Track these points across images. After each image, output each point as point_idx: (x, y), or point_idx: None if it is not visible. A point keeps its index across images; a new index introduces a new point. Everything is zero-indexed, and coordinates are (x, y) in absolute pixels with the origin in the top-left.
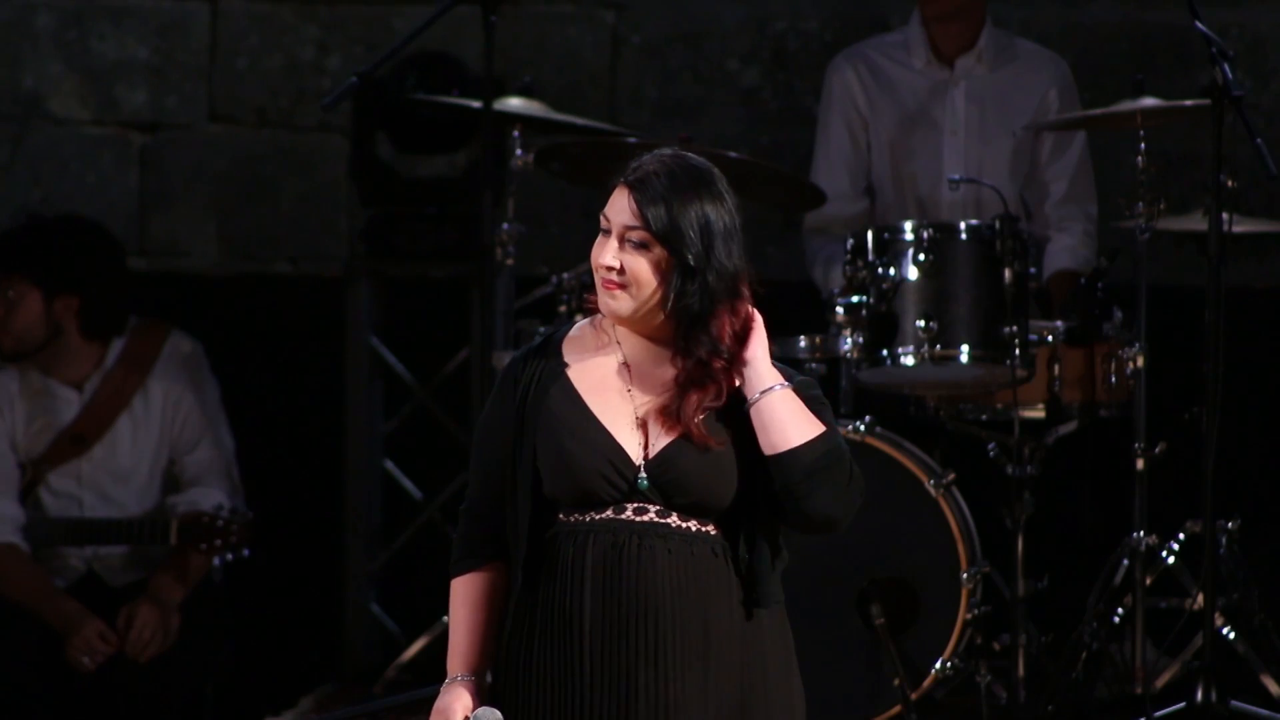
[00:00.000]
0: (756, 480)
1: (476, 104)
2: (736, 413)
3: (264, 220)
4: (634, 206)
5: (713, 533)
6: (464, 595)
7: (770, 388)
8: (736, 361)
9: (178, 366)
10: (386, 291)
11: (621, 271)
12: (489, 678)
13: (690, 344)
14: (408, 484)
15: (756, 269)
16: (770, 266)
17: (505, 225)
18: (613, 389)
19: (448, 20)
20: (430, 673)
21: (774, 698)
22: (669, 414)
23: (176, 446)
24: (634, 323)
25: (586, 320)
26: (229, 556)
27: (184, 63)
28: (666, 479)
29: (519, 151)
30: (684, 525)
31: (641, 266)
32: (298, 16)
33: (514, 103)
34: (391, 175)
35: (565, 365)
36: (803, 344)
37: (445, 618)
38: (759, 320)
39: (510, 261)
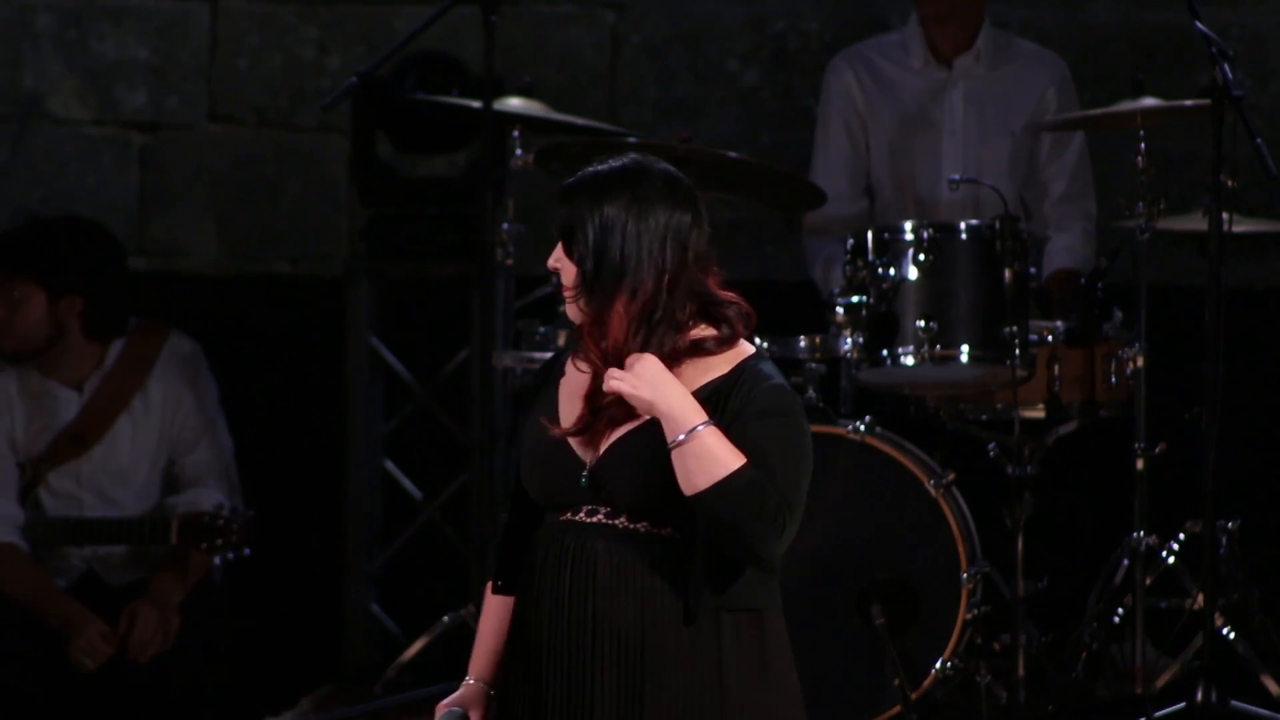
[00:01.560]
0: None
1: (476, 104)
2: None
3: (264, 220)
4: (561, 213)
5: (669, 534)
6: (491, 602)
7: (677, 439)
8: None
9: (177, 367)
10: (386, 291)
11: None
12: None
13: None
14: (408, 484)
15: (755, 268)
16: (770, 266)
17: (505, 225)
18: (578, 394)
19: (448, 20)
20: (430, 673)
21: (732, 706)
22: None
23: (176, 447)
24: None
25: None
26: (229, 556)
27: (184, 63)
28: (607, 479)
29: (519, 151)
30: (633, 527)
31: (570, 273)
32: (298, 16)
33: (514, 103)
34: (391, 175)
35: (561, 374)
36: (803, 344)
37: (446, 618)
38: (646, 362)
39: (510, 261)
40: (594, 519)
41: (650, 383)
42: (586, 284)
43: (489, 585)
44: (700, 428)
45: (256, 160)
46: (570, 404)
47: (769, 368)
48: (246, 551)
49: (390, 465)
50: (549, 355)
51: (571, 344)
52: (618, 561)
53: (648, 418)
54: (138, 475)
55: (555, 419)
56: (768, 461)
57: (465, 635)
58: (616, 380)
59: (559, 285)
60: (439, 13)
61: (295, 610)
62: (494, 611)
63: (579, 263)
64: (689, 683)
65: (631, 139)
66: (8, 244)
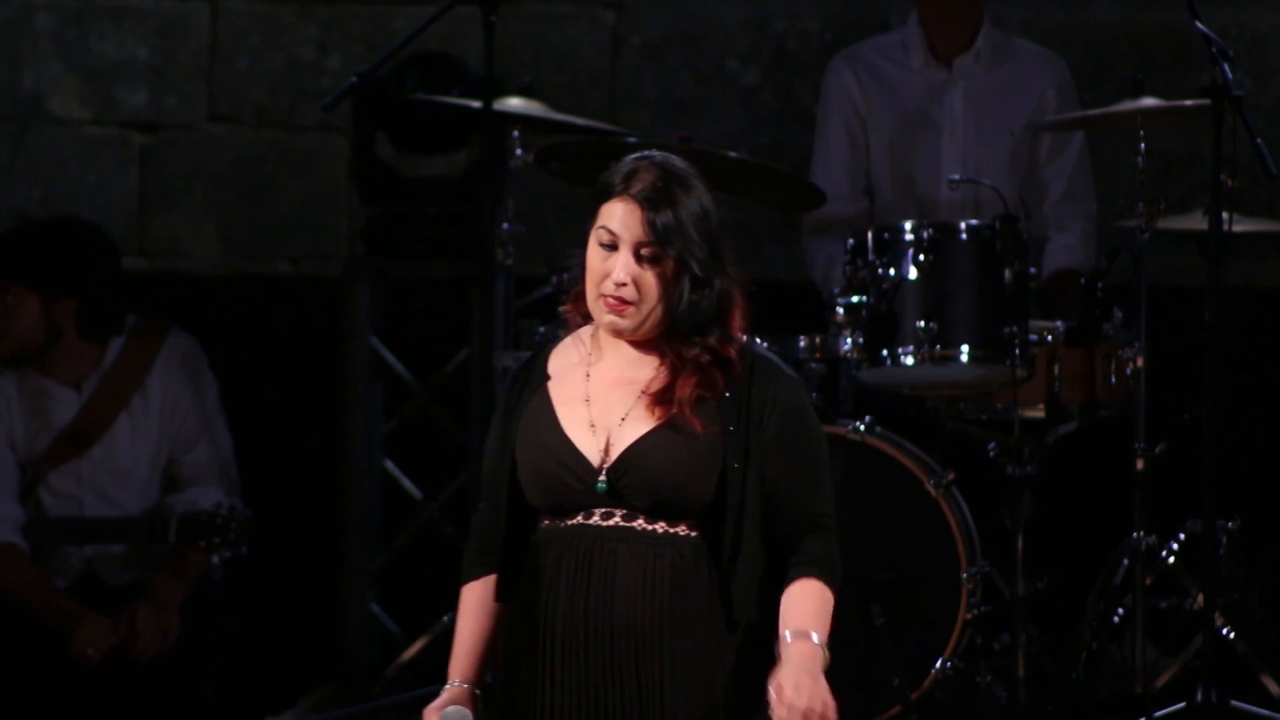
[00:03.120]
0: (739, 482)
1: (476, 104)
2: (724, 409)
3: (264, 220)
4: (645, 220)
5: (684, 534)
6: (467, 602)
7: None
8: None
9: (177, 366)
10: (386, 291)
11: (628, 286)
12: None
13: (697, 338)
14: (408, 484)
15: (755, 268)
16: (770, 266)
17: (505, 225)
18: (579, 398)
19: (448, 20)
20: (430, 673)
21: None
22: (662, 401)
23: (175, 446)
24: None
25: (575, 333)
26: (229, 554)
27: (184, 63)
28: (625, 482)
29: (519, 151)
30: (651, 528)
31: (651, 281)
32: (298, 16)
33: (514, 103)
34: (391, 175)
35: (547, 378)
36: (803, 344)
37: (446, 618)
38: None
39: (510, 261)
40: (610, 522)
41: (812, 683)
42: (697, 294)
43: (469, 587)
44: (815, 636)
45: (256, 160)
46: (571, 406)
47: (771, 353)
48: (245, 549)
49: (390, 465)
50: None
51: (544, 352)
52: (641, 563)
53: (661, 419)
54: (137, 474)
55: (554, 424)
56: (806, 482)
57: None
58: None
59: (559, 284)
60: (439, 13)
61: (295, 610)
62: (475, 614)
63: (685, 261)
64: (710, 682)
65: (631, 139)
66: (0, 248)
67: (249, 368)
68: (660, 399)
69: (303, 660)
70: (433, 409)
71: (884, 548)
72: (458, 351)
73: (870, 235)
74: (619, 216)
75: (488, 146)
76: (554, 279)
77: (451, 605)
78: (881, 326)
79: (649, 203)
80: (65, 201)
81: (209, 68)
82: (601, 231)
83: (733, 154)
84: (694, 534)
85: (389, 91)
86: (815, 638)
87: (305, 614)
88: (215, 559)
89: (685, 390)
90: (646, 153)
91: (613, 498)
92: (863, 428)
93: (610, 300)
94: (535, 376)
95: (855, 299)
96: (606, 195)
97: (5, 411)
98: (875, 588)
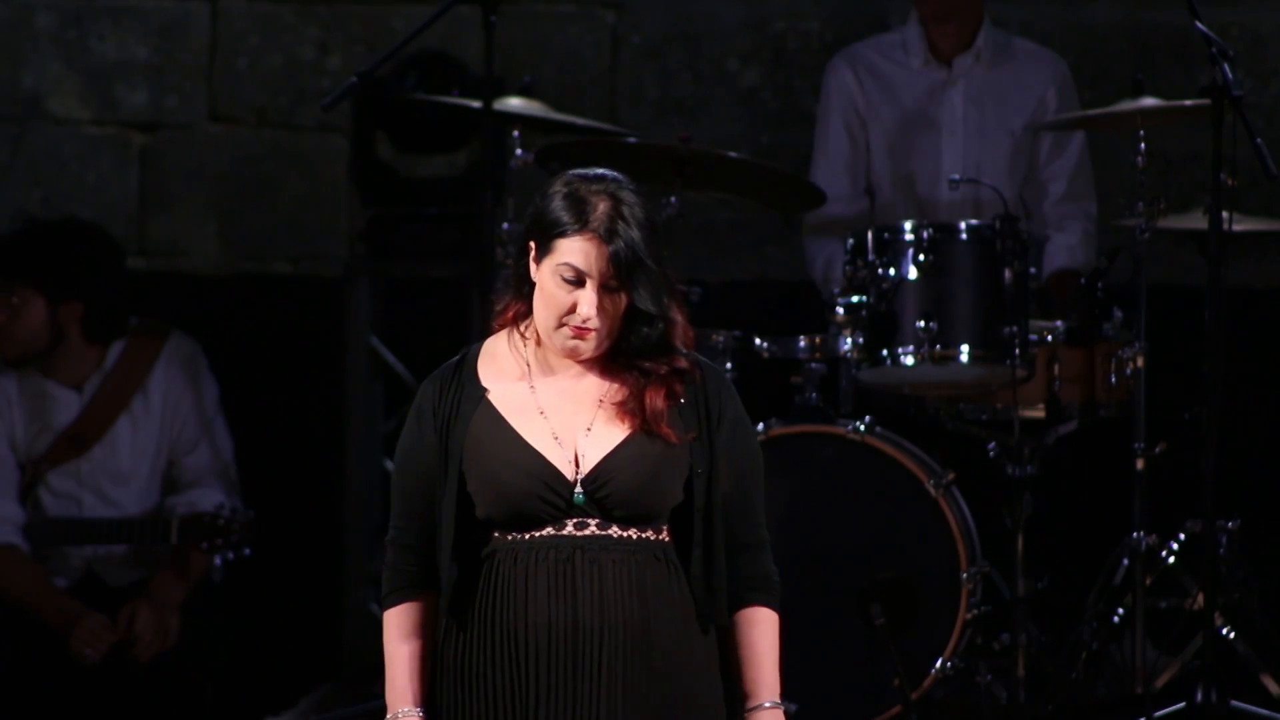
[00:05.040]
0: (704, 486)
1: (476, 104)
2: (684, 414)
3: (264, 220)
4: (609, 255)
5: (654, 538)
6: (400, 627)
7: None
8: None
9: (177, 367)
10: (386, 291)
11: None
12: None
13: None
14: None
15: (755, 268)
16: (770, 266)
17: (505, 225)
18: (532, 410)
19: (448, 20)
20: None
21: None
22: (629, 411)
23: (175, 447)
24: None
25: (492, 339)
26: (229, 556)
27: (184, 63)
28: (603, 494)
29: (519, 151)
30: (626, 534)
31: (611, 309)
32: (298, 16)
33: (514, 103)
34: (391, 175)
35: (484, 389)
36: (802, 344)
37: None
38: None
39: (510, 261)
40: (585, 531)
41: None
42: (648, 325)
43: (396, 611)
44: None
45: (256, 160)
46: (524, 417)
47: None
48: (247, 551)
49: (390, 465)
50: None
51: (469, 362)
52: (627, 570)
53: (633, 429)
54: (138, 475)
55: (514, 437)
56: (748, 489)
57: None
58: None
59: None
60: (439, 13)
61: (295, 610)
62: (408, 638)
63: (642, 299)
64: (695, 683)
65: (631, 139)
66: (6, 250)
67: (249, 368)
68: (627, 409)
69: (303, 660)
70: None
71: (884, 548)
72: (457, 351)
73: (870, 235)
74: (583, 254)
75: (488, 146)
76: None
77: None
78: (881, 326)
79: (610, 235)
80: (65, 201)
81: (209, 68)
82: (565, 268)
83: (733, 154)
84: (663, 537)
85: (389, 91)
86: (776, 704)
87: (305, 614)
88: (217, 560)
89: (657, 401)
90: (586, 174)
91: (589, 508)
92: (863, 428)
93: (576, 328)
94: (469, 388)
95: (855, 299)
96: (561, 230)
97: (6, 412)
98: (875, 588)
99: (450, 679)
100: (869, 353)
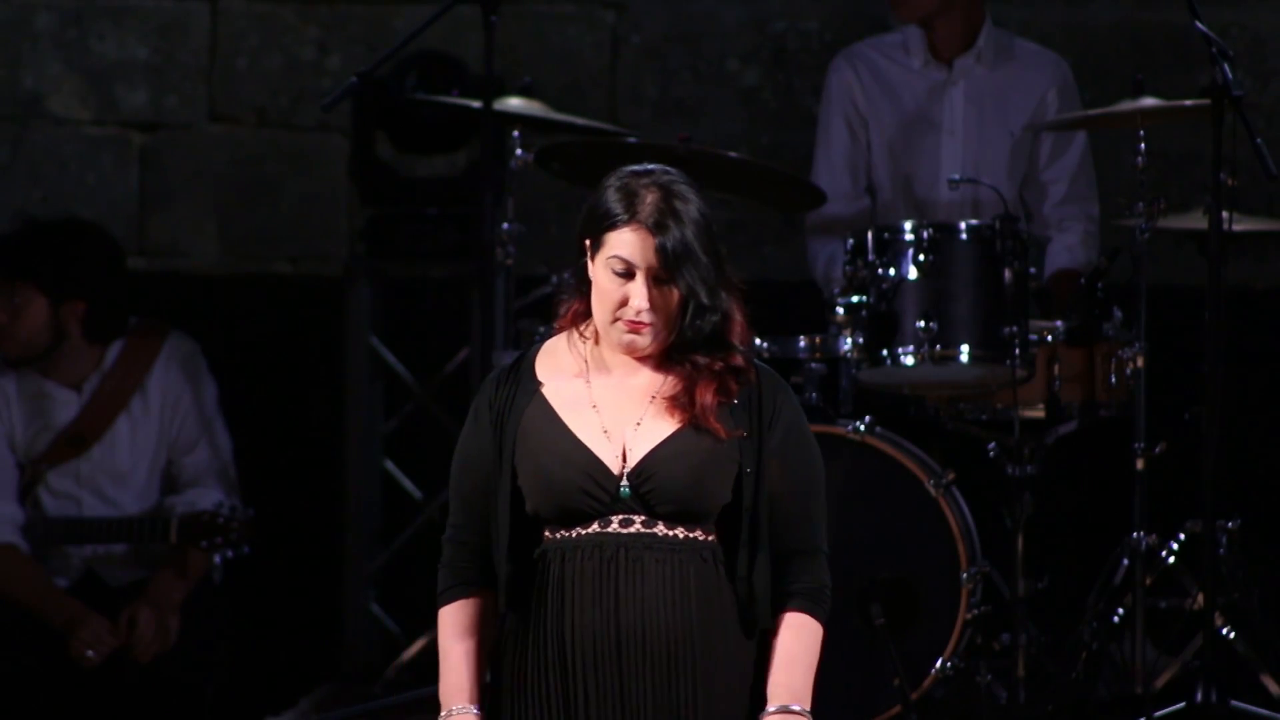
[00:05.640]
0: (752, 487)
1: (476, 104)
2: (736, 414)
3: (264, 220)
4: (658, 247)
5: (702, 538)
6: (456, 624)
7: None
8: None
9: (176, 367)
10: (386, 291)
11: (647, 310)
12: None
13: (705, 349)
14: (408, 484)
15: (755, 268)
16: (770, 266)
17: (505, 225)
18: (585, 404)
19: (448, 20)
20: (430, 673)
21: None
22: (680, 406)
23: (175, 447)
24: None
25: (553, 339)
26: (229, 555)
27: (184, 63)
28: (647, 488)
29: (519, 151)
30: (671, 533)
31: (664, 302)
32: (298, 16)
33: (514, 103)
34: (391, 175)
35: (539, 384)
36: (803, 344)
37: None
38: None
39: (510, 261)
40: (630, 529)
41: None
42: (701, 316)
43: (451, 608)
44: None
45: (256, 160)
46: (577, 412)
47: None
48: (246, 550)
49: (390, 465)
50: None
51: (527, 360)
52: (668, 569)
53: (682, 424)
54: (137, 475)
55: (564, 430)
56: (802, 496)
57: None
58: None
59: (559, 284)
60: (439, 13)
61: (295, 610)
62: (463, 635)
63: (694, 290)
64: (734, 685)
65: (631, 139)
66: (8, 249)
67: (249, 368)
68: (678, 404)
69: (303, 660)
70: (433, 409)
71: (884, 548)
72: (458, 351)
73: (870, 235)
74: (631, 245)
75: (488, 146)
76: (554, 279)
77: None
78: (881, 326)
79: (659, 228)
80: (65, 201)
81: (209, 68)
82: (615, 261)
83: (733, 154)
84: (711, 538)
85: (389, 91)
86: (793, 709)
87: (305, 614)
88: (216, 559)
89: (707, 396)
90: (638, 169)
91: (633, 503)
92: (863, 428)
93: (631, 323)
94: (524, 383)
95: (855, 299)
96: (611, 223)
97: (5, 412)
98: (875, 588)
99: (506, 680)
100: (869, 353)
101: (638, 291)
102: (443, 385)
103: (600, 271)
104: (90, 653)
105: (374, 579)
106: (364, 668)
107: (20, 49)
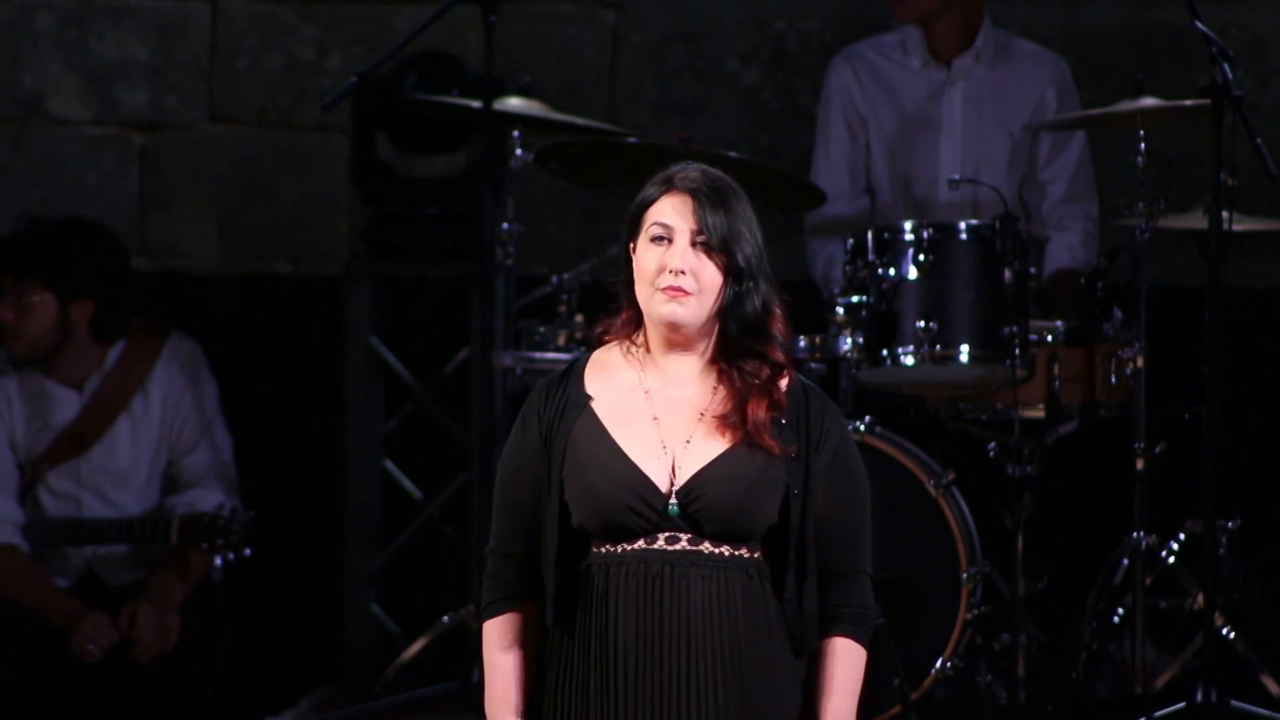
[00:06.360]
0: (799, 506)
1: (476, 104)
2: (784, 433)
3: (264, 220)
4: (699, 212)
5: (748, 556)
6: (501, 637)
7: None
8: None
9: (177, 367)
10: (386, 291)
11: (687, 275)
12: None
13: (749, 341)
14: (408, 484)
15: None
16: (770, 267)
17: (505, 225)
18: (638, 418)
19: (448, 20)
20: (430, 673)
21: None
22: (731, 424)
23: (175, 447)
24: (679, 337)
25: (604, 349)
26: (230, 556)
27: (184, 63)
28: (696, 507)
29: (519, 151)
30: (717, 551)
31: (710, 271)
32: (298, 16)
33: (514, 103)
34: (391, 175)
35: (589, 397)
36: (803, 344)
37: (446, 618)
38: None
39: (510, 261)
40: (676, 546)
41: None
42: (742, 289)
43: (496, 622)
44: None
45: (256, 160)
46: (628, 427)
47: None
48: (247, 551)
49: (390, 465)
50: (548, 359)
51: (576, 369)
52: (713, 586)
53: (733, 443)
54: (137, 475)
55: (613, 447)
56: (848, 518)
57: (465, 635)
58: None
59: (559, 284)
60: (439, 13)
61: (295, 610)
62: (509, 648)
63: (733, 254)
64: (778, 705)
65: (631, 139)
66: (17, 248)
67: (249, 368)
68: (728, 422)
69: (303, 660)
70: (433, 409)
71: (884, 548)
72: (458, 351)
73: (870, 235)
74: (670, 209)
75: (488, 146)
76: (554, 279)
77: (451, 605)
78: (881, 326)
79: (698, 194)
80: (65, 202)
81: (209, 68)
82: (655, 227)
83: (733, 154)
84: (756, 555)
85: (389, 91)
86: None
87: (305, 614)
88: (217, 560)
89: (759, 412)
90: (676, 166)
91: (681, 521)
92: (863, 428)
93: (670, 289)
94: (574, 396)
95: (855, 299)
96: (650, 201)
97: (6, 411)
98: (875, 588)
99: (550, 694)
100: (869, 353)
101: (675, 254)
102: (443, 385)
103: (641, 249)
104: (91, 647)
105: (374, 579)
106: (364, 668)
107: (20, 49)
